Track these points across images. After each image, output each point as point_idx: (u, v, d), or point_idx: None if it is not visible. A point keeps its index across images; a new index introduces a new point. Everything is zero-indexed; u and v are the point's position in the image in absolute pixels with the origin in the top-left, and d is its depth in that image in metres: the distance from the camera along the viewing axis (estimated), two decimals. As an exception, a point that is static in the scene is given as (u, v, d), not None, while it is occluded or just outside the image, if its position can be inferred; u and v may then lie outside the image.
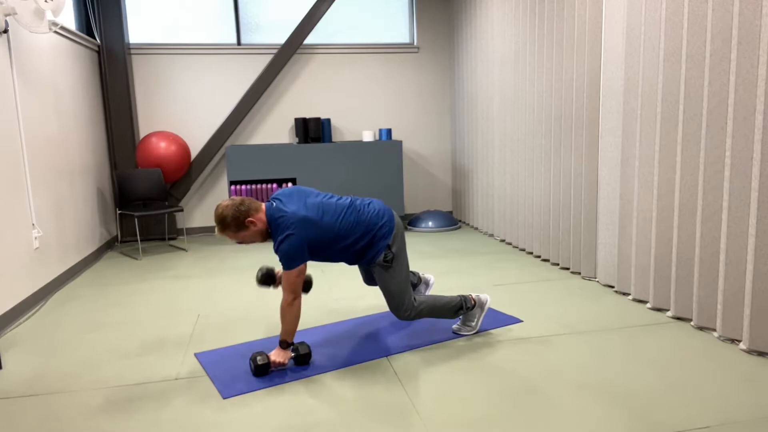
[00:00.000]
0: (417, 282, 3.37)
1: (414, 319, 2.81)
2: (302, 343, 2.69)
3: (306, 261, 2.57)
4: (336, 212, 2.63)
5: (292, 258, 2.52)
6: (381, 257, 2.69)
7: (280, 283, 2.89)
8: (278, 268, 3.14)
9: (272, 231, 2.57)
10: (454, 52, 6.27)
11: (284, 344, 2.61)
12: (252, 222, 2.55)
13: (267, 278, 2.86)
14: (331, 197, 2.70)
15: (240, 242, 2.61)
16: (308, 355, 2.66)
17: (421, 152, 6.62)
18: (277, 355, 2.59)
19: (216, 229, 2.58)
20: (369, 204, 2.74)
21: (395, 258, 2.72)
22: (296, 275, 2.55)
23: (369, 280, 3.12)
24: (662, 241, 3.20)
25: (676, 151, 3.07)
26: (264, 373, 2.55)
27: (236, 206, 2.54)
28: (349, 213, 2.65)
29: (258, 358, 2.54)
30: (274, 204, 2.59)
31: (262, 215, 2.58)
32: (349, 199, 2.72)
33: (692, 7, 2.84)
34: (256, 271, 2.57)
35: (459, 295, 2.95)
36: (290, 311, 2.57)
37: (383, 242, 2.69)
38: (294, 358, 2.66)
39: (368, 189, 5.84)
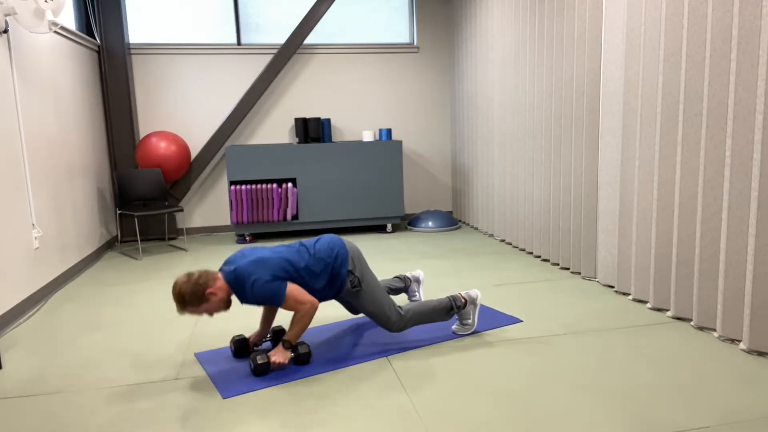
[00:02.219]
0: (407, 285, 3.36)
1: (405, 328, 2.83)
2: (302, 343, 2.69)
3: (287, 279, 2.55)
4: (287, 251, 2.64)
5: (272, 291, 2.50)
6: (348, 284, 2.70)
7: (254, 343, 2.87)
8: (247, 333, 3.14)
9: (238, 290, 2.54)
10: (454, 52, 6.27)
11: (287, 344, 2.61)
12: (212, 293, 2.49)
13: (243, 350, 2.80)
14: (278, 247, 2.72)
15: (204, 314, 2.58)
16: (308, 355, 2.66)
17: (421, 152, 6.62)
18: (277, 355, 2.59)
19: (176, 308, 2.52)
20: (317, 241, 2.75)
21: (361, 280, 2.73)
22: (295, 292, 2.53)
23: (353, 309, 3.09)
24: (662, 241, 3.20)
25: (676, 151, 3.07)
26: (264, 372, 2.56)
27: (193, 282, 2.47)
28: (300, 253, 2.66)
29: (258, 358, 2.54)
30: (225, 269, 2.58)
31: (221, 283, 2.54)
32: (296, 245, 2.74)
33: (692, 7, 2.84)
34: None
35: (448, 297, 2.94)
36: (307, 317, 2.57)
37: (343, 269, 2.69)
38: (294, 358, 2.66)
39: (368, 189, 5.85)
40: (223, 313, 3.02)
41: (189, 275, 2.50)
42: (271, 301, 2.51)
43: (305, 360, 2.66)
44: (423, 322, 2.87)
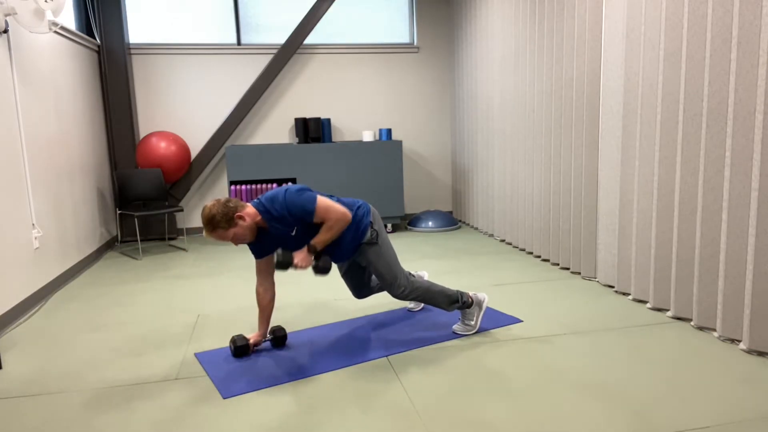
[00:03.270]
0: None
1: (408, 297, 2.84)
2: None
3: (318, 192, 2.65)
4: (317, 191, 2.76)
5: (303, 196, 2.57)
6: (368, 235, 2.75)
7: (254, 343, 2.89)
8: (247, 333, 3.17)
9: (270, 210, 2.59)
10: (454, 52, 6.27)
11: (312, 249, 2.62)
12: (241, 217, 2.55)
13: (243, 350, 2.83)
14: None
15: (231, 241, 2.61)
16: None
17: (421, 152, 6.62)
18: (301, 259, 2.60)
19: (204, 231, 2.56)
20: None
21: (379, 235, 2.78)
22: (324, 200, 2.59)
23: (358, 288, 3.10)
24: (662, 241, 3.20)
25: (676, 151, 3.07)
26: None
27: (224, 203, 2.54)
28: (331, 197, 2.76)
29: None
30: (260, 198, 2.66)
31: (249, 209, 2.60)
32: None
33: (692, 7, 2.84)
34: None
35: (457, 290, 2.96)
36: (339, 225, 2.61)
37: (366, 219, 2.76)
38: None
39: (368, 189, 5.85)
40: (245, 243, 3.02)
41: (218, 199, 2.56)
42: (303, 208, 2.55)
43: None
44: (425, 300, 2.89)
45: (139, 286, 4.18)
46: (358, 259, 2.83)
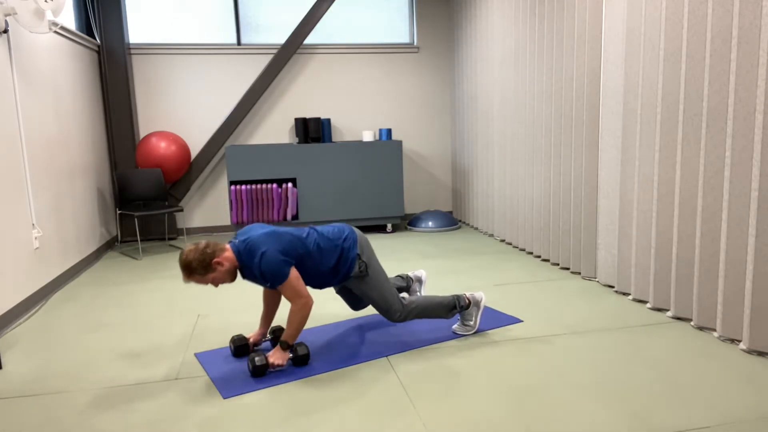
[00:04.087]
0: (408, 284, 3.36)
1: (407, 320, 2.83)
2: (301, 343, 2.69)
3: (293, 264, 2.57)
4: (298, 231, 2.67)
5: (278, 268, 2.51)
6: (356, 268, 2.71)
7: (254, 343, 2.88)
8: (247, 333, 3.15)
9: (246, 262, 2.55)
10: (454, 52, 6.27)
11: (285, 345, 2.61)
12: (219, 263, 2.51)
13: (243, 350, 2.81)
14: (289, 228, 2.75)
15: (210, 285, 2.59)
16: (307, 356, 2.66)
17: (421, 152, 6.62)
18: (276, 357, 2.59)
19: (182, 276, 2.54)
20: (327, 225, 2.79)
21: (368, 266, 2.75)
22: (295, 279, 2.54)
23: (354, 304, 3.09)
24: (662, 242, 3.20)
25: (676, 151, 3.07)
26: (262, 374, 2.55)
27: (201, 250, 2.49)
28: (310, 234, 2.69)
29: (256, 359, 2.54)
30: (237, 241, 2.60)
31: (228, 254, 2.55)
32: (308, 227, 2.77)
33: (692, 7, 2.84)
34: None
35: (452, 295, 2.95)
36: (300, 315, 2.57)
37: (352, 252, 2.71)
38: (292, 359, 2.66)
39: (368, 189, 5.84)
40: (228, 284, 2.98)
41: (197, 244, 2.52)
42: (273, 279, 2.51)
43: (304, 361, 2.66)
44: (424, 316, 2.87)
45: (139, 286, 4.18)
46: (350, 286, 2.82)
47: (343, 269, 2.71)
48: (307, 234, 2.69)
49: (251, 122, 6.17)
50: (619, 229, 3.54)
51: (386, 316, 2.81)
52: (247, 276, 2.60)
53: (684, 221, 3.02)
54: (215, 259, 2.50)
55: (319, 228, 2.76)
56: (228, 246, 2.59)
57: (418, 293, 3.40)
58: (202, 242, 2.54)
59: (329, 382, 2.49)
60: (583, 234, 3.95)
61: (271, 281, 2.52)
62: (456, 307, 2.92)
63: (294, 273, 2.55)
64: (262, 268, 2.50)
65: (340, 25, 6.29)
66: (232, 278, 2.60)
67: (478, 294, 3.01)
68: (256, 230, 2.63)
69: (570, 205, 4.14)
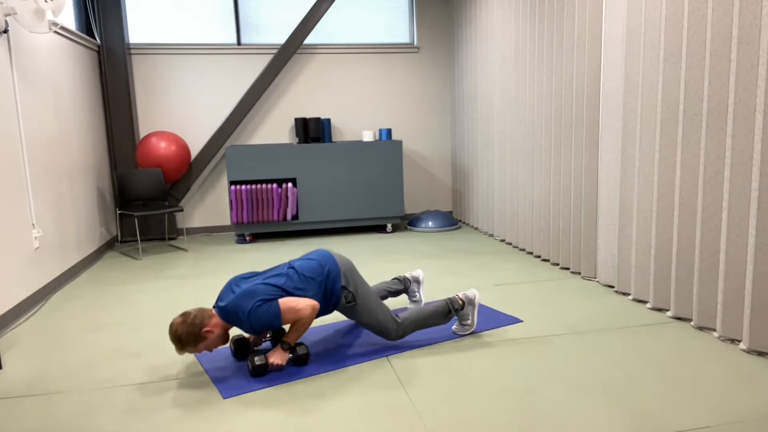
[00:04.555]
0: (406, 285, 3.35)
1: (404, 336, 2.83)
2: (300, 344, 2.69)
3: (276, 298, 2.55)
4: (278, 278, 2.63)
5: (269, 316, 2.50)
6: (343, 300, 2.71)
7: (254, 343, 2.87)
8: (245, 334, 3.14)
9: (235, 323, 2.54)
10: (454, 52, 6.27)
11: (286, 346, 2.61)
12: (209, 331, 2.51)
13: (243, 350, 2.80)
14: (267, 271, 2.73)
15: (204, 351, 2.61)
16: (306, 356, 2.66)
17: (421, 152, 6.62)
18: (275, 357, 2.59)
19: (175, 349, 2.55)
20: (305, 260, 2.74)
21: (356, 294, 2.73)
22: (288, 305, 2.53)
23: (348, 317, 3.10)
24: (662, 241, 3.20)
25: (676, 151, 3.07)
26: (262, 374, 2.56)
27: (189, 322, 2.49)
28: (290, 275, 2.65)
29: (256, 359, 2.54)
30: (218, 305, 2.59)
31: (216, 320, 2.55)
32: (285, 267, 2.73)
33: (692, 7, 2.84)
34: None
35: (445, 299, 2.94)
36: (306, 322, 2.57)
37: (337, 285, 2.70)
38: (292, 359, 2.66)
39: (368, 189, 5.84)
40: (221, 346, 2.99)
41: (185, 316, 2.51)
42: (272, 325, 2.52)
43: (304, 361, 2.66)
44: (421, 327, 2.87)
45: (139, 286, 4.18)
46: (341, 313, 2.82)
47: (331, 302, 2.72)
48: (285, 277, 2.63)
49: (251, 122, 6.17)
50: (619, 229, 3.54)
51: (383, 337, 2.81)
52: (249, 332, 2.58)
53: (684, 221, 3.02)
54: (204, 329, 2.50)
55: (297, 265, 2.71)
56: (214, 312, 2.59)
57: (418, 294, 3.40)
58: (190, 313, 2.52)
59: (329, 382, 2.49)
60: (583, 234, 3.95)
61: (269, 327, 2.53)
62: (451, 311, 2.91)
63: (283, 301, 2.53)
64: (254, 325, 2.50)
65: (340, 25, 6.29)
66: (224, 341, 2.61)
67: (471, 292, 2.99)
68: (229, 295, 2.59)
69: (570, 205, 4.14)
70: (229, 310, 2.53)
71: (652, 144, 3.25)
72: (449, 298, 2.94)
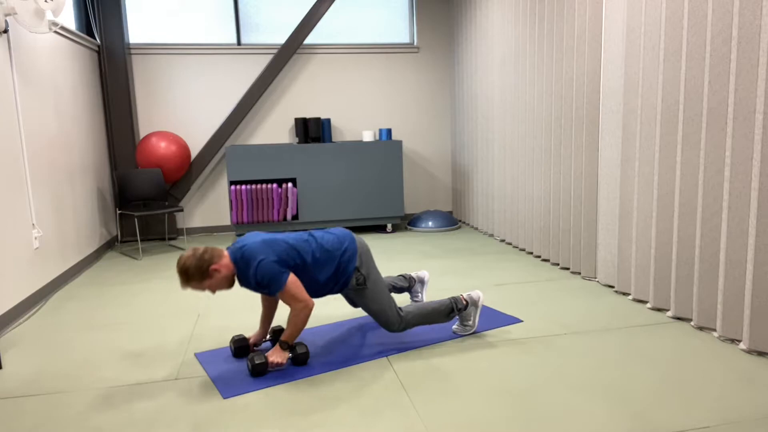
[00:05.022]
0: (411, 284, 3.35)
1: (405, 329, 2.83)
2: (300, 343, 2.69)
3: (290, 271, 2.56)
4: (296, 239, 2.64)
5: (276, 277, 2.50)
6: (353, 281, 2.70)
7: (254, 343, 2.87)
8: (247, 333, 3.15)
9: (243, 269, 2.54)
10: (454, 52, 6.27)
11: (284, 345, 2.61)
12: (216, 269, 2.51)
13: (243, 350, 2.80)
14: (289, 234, 2.72)
15: (207, 291, 2.59)
16: (306, 355, 2.66)
17: (421, 152, 6.62)
18: (275, 356, 2.59)
19: (179, 282, 2.54)
20: (326, 232, 2.75)
21: (367, 278, 2.73)
22: (293, 285, 2.53)
23: (353, 302, 3.08)
24: (662, 241, 3.20)
25: (676, 151, 3.07)
26: (261, 373, 2.56)
27: (198, 256, 2.48)
28: (309, 243, 2.65)
29: (255, 358, 2.54)
30: (234, 247, 2.59)
31: (226, 260, 2.54)
32: (306, 234, 2.73)
33: (692, 7, 2.84)
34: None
35: (449, 298, 2.94)
36: (301, 317, 2.57)
37: (350, 265, 2.69)
38: (292, 359, 2.66)
39: (368, 189, 5.84)
40: (225, 291, 2.96)
41: (195, 250, 2.51)
42: (270, 287, 2.51)
43: (303, 360, 2.66)
44: (423, 323, 2.87)
45: (139, 286, 4.18)
46: (348, 295, 2.82)
47: (341, 280, 2.71)
48: (305, 242, 2.65)
49: (251, 122, 6.17)
50: (619, 229, 3.54)
51: (385, 327, 2.81)
52: (243, 284, 2.59)
53: (684, 221, 3.02)
54: (212, 266, 2.49)
55: (318, 235, 2.72)
56: (226, 252, 2.59)
57: (420, 294, 3.40)
58: (200, 248, 2.52)
59: (329, 382, 2.49)
60: (583, 234, 3.95)
61: (269, 289, 2.52)
62: (454, 310, 2.91)
63: (291, 278, 2.55)
64: (258, 277, 2.50)
65: (340, 25, 6.29)
66: (230, 285, 2.59)
67: (475, 293, 3.00)
68: (253, 238, 2.61)
69: (570, 205, 4.14)
70: (247, 251, 2.51)
71: (652, 144, 3.25)
72: (453, 297, 2.94)
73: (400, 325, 2.79)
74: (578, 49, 3.88)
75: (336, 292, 2.77)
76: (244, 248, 2.54)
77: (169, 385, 2.51)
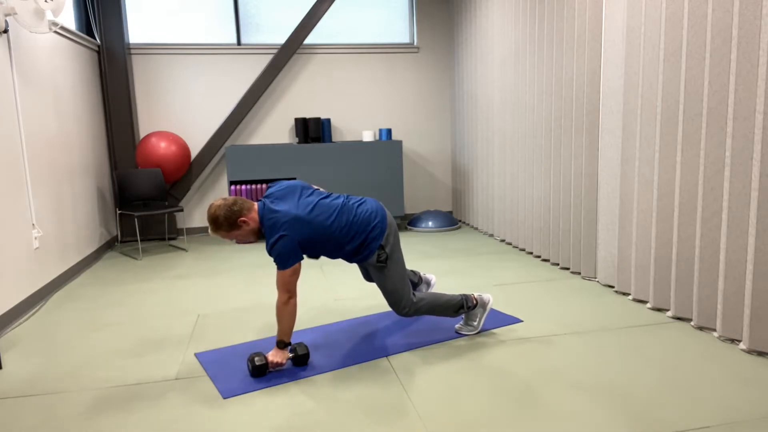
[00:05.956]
0: (418, 281, 3.36)
1: (413, 315, 2.82)
2: (300, 343, 2.68)
3: (300, 260, 2.58)
4: (328, 212, 2.62)
5: (286, 258, 2.52)
6: (374, 257, 2.70)
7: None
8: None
9: (265, 231, 2.58)
10: (454, 52, 6.27)
11: (281, 344, 2.61)
12: (245, 221, 2.56)
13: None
14: (326, 196, 2.70)
15: (233, 240, 2.62)
16: (306, 356, 2.66)
17: (421, 152, 6.62)
18: (274, 356, 2.59)
19: (209, 229, 2.59)
20: (361, 204, 2.73)
21: (389, 258, 2.72)
22: (290, 274, 2.55)
23: (368, 277, 3.11)
24: (662, 241, 3.20)
25: (676, 151, 3.07)
26: (262, 374, 2.55)
27: (229, 206, 2.54)
28: (342, 213, 2.64)
29: (256, 358, 2.54)
30: (266, 203, 2.60)
31: (254, 215, 2.59)
32: (342, 199, 2.71)
33: (692, 7, 2.84)
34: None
35: (461, 294, 2.95)
36: (285, 310, 2.58)
37: (375, 243, 2.69)
38: (292, 359, 2.65)
39: (368, 189, 5.84)
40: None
41: (225, 199, 2.57)
42: (276, 261, 2.54)
43: (303, 361, 2.66)
44: (432, 313, 2.87)
45: (139, 286, 4.18)
46: (367, 268, 2.82)
47: (363, 254, 2.71)
48: (337, 214, 2.62)
49: (251, 122, 6.17)
50: (619, 229, 3.54)
51: (394, 308, 2.79)
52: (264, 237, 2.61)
53: (684, 221, 3.02)
54: (241, 218, 2.55)
55: (354, 204, 2.70)
56: (256, 206, 2.61)
57: (423, 294, 3.41)
58: (231, 198, 2.57)
59: (329, 382, 2.49)
60: (583, 234, 3.95)
61: (274, 260, 2.55)
62: (463, 306, 2.92)
63: (296, 267, 2.56)
64: (274, 247, 2.53)
65: (340, 25, 6.29)
66: (256, 238, 2.65)
67: (486, 296, 3.01)
68: (288, 201, 2.59)
69: (570, 205, 4.14)
70: (276, 222, 2.52)
71: (652, 144, 3.25)
72: (464, 295, 2.95)
73: (409, 309, 2.78)
74: (578, 49, 3.88)
75: (356, 262, 2.78)
76: (276, 218, 2.53)
77: (169, 385, 2.51)
